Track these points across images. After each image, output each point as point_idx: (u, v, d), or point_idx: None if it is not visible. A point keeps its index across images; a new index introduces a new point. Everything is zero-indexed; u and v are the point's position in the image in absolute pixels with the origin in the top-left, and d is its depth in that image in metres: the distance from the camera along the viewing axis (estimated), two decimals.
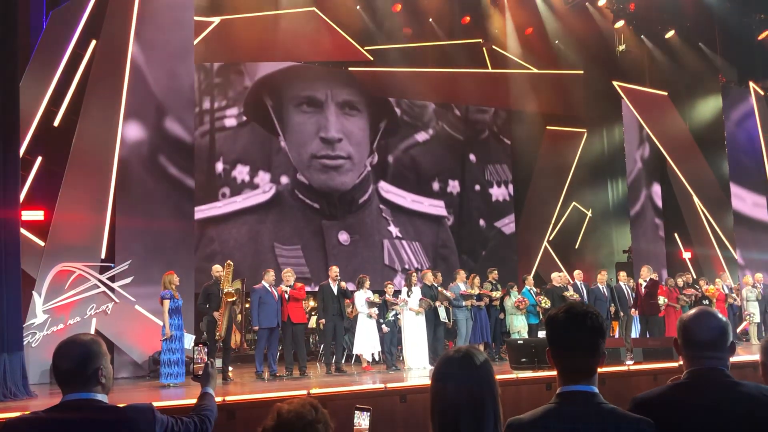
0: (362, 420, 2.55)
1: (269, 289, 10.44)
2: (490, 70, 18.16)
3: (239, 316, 10.73)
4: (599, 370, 2.22)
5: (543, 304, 12.48)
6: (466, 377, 2.08)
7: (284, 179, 15.84)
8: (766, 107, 18.12)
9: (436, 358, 10.30)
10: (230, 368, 10.35)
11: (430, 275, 12.06)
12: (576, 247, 18.72)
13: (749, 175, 17.66)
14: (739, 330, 14.68)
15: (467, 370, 2.09)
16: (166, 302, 9.75)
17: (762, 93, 18.13)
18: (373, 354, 11.71)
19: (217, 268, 10.59)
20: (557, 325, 2.23)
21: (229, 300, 10.13)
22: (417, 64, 17.27)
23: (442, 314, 11.73)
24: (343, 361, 11.70)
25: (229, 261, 10.63)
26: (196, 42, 13.21)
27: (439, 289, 11.94)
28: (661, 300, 12.96)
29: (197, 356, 3.25)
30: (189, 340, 10.43)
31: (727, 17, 17.26)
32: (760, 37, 17.97)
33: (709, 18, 17.54)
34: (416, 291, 11.53)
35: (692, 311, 2.44)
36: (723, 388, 2.28)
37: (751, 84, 18.20)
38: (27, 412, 2.52)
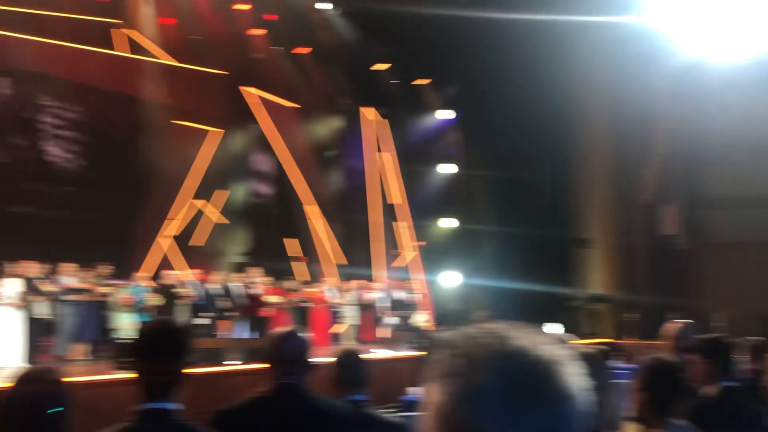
0: None
1: None
2: (123, 54, 17.25)
3: None
4: (191, 372, 2.20)
5: (152, 302, 12.26)
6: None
7: None
8: (376, 130, 20.14)
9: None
10: None
11: (33, 267, 11.12)
12: (203, 245, 18.60)
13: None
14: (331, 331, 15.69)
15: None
16: None
17: (371, 118, 20.11)
18: None
19: None
20: (141, 341, 2.22)
21: None
22: (41, 34, 15.61)
23: (40, 309, 10.91)
24: None
25: None
26: None
27: (38, 282, 11.05)
28: (275, 299, 13.79)
29: None
30: None
31: (351, 45, 18.91)
32: (374, 68, 19.85)
33: (338, 43, 18.98)
34: (12, 283, 10.60)
35: None
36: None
37: (361, 109, 20.05)
38: None
